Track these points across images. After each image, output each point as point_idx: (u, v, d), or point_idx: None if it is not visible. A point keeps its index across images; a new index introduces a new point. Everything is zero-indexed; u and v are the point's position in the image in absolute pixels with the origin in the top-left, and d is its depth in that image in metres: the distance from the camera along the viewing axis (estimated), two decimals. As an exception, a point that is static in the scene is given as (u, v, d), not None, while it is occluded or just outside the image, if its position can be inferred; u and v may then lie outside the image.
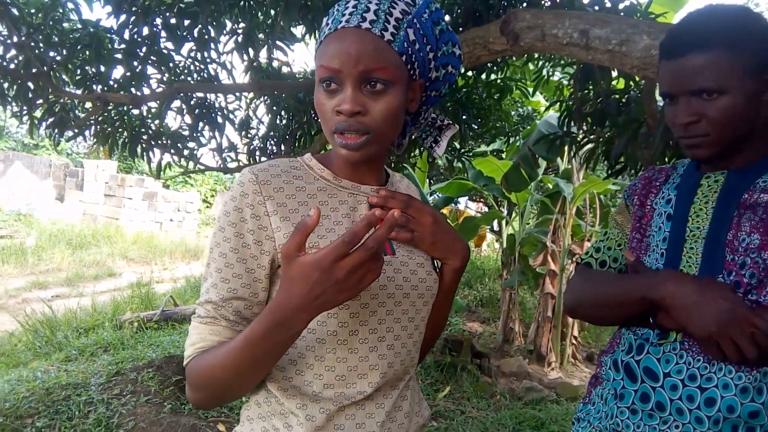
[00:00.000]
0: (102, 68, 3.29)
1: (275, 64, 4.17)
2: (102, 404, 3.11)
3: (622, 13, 2.82)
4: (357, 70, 0.78)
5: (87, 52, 3.17)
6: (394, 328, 0.88)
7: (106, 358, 4.03)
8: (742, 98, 0.92)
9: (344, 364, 0.83)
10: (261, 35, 3.70)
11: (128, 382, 3.35)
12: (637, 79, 2.80)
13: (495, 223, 7.31)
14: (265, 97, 4.27)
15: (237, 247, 0.82)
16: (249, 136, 4.48)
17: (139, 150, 4.04)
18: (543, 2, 2.92)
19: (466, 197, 9.20)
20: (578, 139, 3.43)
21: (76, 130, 3.88)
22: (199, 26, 3.27)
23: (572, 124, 3.33)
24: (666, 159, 2.56)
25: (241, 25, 3.57)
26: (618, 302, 1.03)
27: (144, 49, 3.28)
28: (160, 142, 4.12)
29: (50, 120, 3.70)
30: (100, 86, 3.53)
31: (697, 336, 0.90)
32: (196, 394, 0.82)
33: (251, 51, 3.79)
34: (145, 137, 4.07)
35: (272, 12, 3.48)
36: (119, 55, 3.25)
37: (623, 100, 2.97)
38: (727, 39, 0.91)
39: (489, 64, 3.63)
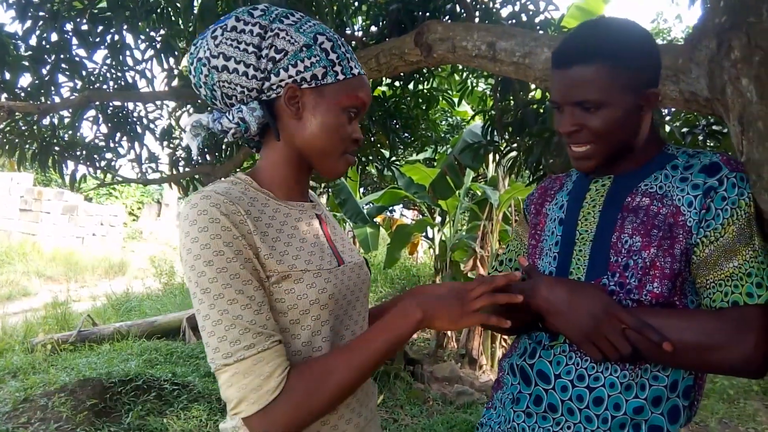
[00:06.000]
0: (7, 75, 3.09)
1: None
2: (7, 434, 2.90)
3: (538, 27, 2.93)
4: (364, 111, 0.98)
5: (-11, 58, 2.96)
6: (356, 332, 0.97)
7: (13, 384, 3.75)
8: (622, 111, 0.93)
9: None
10: (182, 43, 3.59)
11: (37, 409, 3.13)
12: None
13: (429, 230, 7.40)
14: (189, 106, 4.14)
15: (237, 272, 0.80)
16: (172, 146, 4.33)
17: (50, 162, 3.83)
18: (461, 14, 2.99)
19: (401, 205, 9.29)
20: (501, 147, 3.52)
21: (-22, 141, 3.62)
22: (114, 32, 3.14)
23: (495, 133, 3.42)
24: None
25: (161, 32, 3.45)
26: (509, 311, 1.06)
27: (53, 56, 3.10)
28: (73, 153, 3.91)
29: (-51, 130, 3.45)
30: (5, 95, 3.31)
31: (574, 339, 0.93)
32: (320, 398, 0.80)
33: (171, 59, 3.67)
34: (57, 148, 3.86)
35: (190, 19, 3.39)
36: (26, 62, 3.07)
37: (541, 110, 3.08)
38: (608, 53, 0.92)
39: (416, 75, 3.68)
